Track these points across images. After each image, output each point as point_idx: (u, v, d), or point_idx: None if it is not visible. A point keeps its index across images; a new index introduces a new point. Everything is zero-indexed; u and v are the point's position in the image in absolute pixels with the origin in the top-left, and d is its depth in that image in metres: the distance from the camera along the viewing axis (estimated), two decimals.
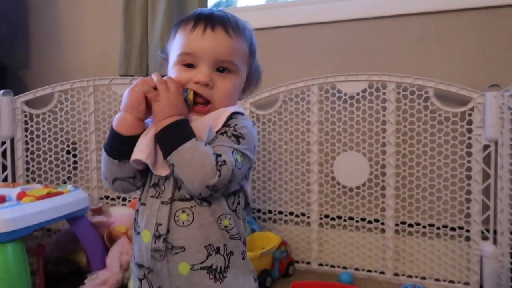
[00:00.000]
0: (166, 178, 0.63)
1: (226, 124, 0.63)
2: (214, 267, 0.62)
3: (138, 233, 0.65)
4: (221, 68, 0.65)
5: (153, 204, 0.63)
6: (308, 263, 1.57)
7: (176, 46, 0.67)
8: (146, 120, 0.65)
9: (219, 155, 0.59)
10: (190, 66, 0.65)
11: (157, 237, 0.62)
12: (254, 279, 0.67)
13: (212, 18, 0.66)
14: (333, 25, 1.63)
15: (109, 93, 1.74)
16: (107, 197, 1.79)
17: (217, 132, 0.63)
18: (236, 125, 0.63)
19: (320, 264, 1.56)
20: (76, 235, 1.37)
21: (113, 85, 1.72)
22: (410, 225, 1.46)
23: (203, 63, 0.64)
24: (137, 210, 0.68)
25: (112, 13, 1.90)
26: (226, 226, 0.63)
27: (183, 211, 0.61)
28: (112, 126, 0.64)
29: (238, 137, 0.62)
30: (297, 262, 1.58)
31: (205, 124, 0.63)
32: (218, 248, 0.62)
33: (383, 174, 1.48)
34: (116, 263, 1.36)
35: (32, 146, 1.78)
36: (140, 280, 0.65)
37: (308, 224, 1.58)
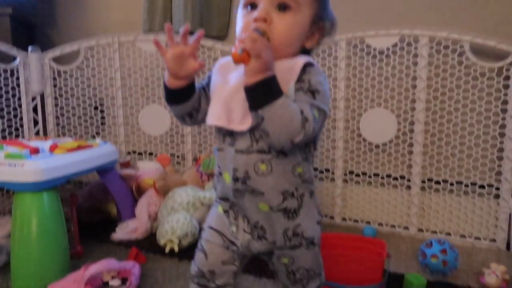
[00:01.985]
0: None
1: (300, 79, 0.65)
2: (288, 208, 0.70)
3: (220, 173, 0.72)
4: (281, 6, 0.65)
5: (229, 151, 0.69)
6: (332, 217, 1.59)
7: None
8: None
9: (302, 112, 0.61)
10: (253, 8, 0.67)
11: (235, 180, 0.68)
12: (318, 213, 0.76)
13: None
14: None
15: (134, 49, 1.74)
16: (134, 152, 1.83)
17: None
18: (310, 80, 0.65)
19: (344, 219, 1.58)
20: (106, 186, 1.42)
21: (138, 41, 1.72)
22: (437, 182, 1.44)
23: (262, 0, 0.65)
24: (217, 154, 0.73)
25: None
26: (299, 174, 0.69)
27: (262, 162, 0.66)
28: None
29: (313, 92, 0.64)
30: (321, 216, 1.59)
31: (280, 74, 0.62)
32: (292, 193, 0.69)
33: (411, 131, 1.45)
34: (145, 213, 1.41)
35: (62, 101, 1.82)
36: (227, 211, 0.74)
37: (333, 180, 1.58)
